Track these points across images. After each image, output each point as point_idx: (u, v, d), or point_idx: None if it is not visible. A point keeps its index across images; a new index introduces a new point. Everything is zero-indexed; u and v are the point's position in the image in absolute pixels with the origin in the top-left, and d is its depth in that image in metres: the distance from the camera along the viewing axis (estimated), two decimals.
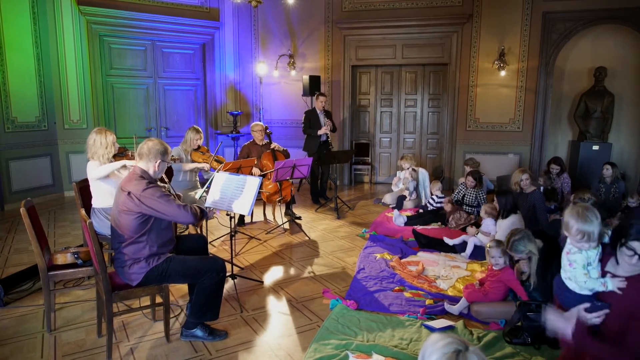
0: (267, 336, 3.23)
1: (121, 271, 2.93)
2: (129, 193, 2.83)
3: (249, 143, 6.20)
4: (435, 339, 1.44)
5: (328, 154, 6.91)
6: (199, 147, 5.28)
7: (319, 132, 7.06)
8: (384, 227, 5.89)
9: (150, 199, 2.82)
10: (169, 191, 3.50)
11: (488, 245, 3.70)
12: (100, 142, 3.88)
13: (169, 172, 4.90)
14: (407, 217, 6.17)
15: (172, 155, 5.03)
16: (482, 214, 5.08)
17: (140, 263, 2.89)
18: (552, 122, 8.25)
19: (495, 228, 4.77)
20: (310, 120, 7.18)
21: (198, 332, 3.13)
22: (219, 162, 5.18)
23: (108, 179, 3.90)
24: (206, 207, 4.41)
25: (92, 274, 3.35)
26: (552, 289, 2.69)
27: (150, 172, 2.98)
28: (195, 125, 5.32)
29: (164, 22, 8.05)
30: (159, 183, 3.41)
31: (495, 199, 4.88)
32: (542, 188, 6.14)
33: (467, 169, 6.61)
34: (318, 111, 7.19)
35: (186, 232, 5.27)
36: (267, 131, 6.22)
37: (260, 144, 6.16)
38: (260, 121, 8.84)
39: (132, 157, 4.05)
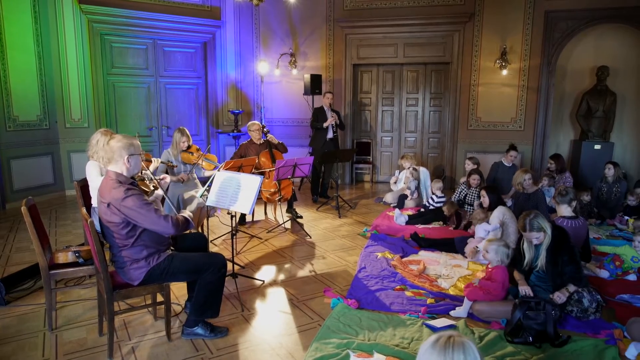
0: (268, 335, 3.23)
1: (121, 271, 2.92)
2: (108, 205, 2.74)
3: (247, 142, 6.17)
4: (427, 340, 1.54)
5: (329, 152, 6.93)
6: (189, 146, 5.20)
7: (325, 125, 7.16)
8: (385, 226, 5.88)
9: (129, 209, 2.72)
10: (152, 179, 3.43)
11: (486, 242, 3.72)
12: (103, 144, 3.87)
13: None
14: (409, 216, 6.15)
15: (170, 161, 4.97)
16: (474, 222, 5.05)
17: (140, 262, 2.88)
18: (554, 121, 8.23)
19: (486, 232, 4.79)
20: (318, 116, 7.32)
21: (199, 329, 3.13)
22: (210, 162, 5.14)
23: None
24: (207, 206, 4.42)
25: (93, 272, 3.34)
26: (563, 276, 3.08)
27: (124, 171, 2.83)
28: (180, 127, 5.23)
29: (165, 20, 8.04)
30: (146, 181, 3.34)
31: (485, 194, 5.08)
32: (542, 187, 6.14)
33: (469, 164, 6.57)
34: (325, 108, 7.31)
35: (187, 231, 5.26)
36: (265, 130, 6.19)
37: (258, 142, 6.13)
38: (261, 120, 8.86)
39: None
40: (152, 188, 3.27)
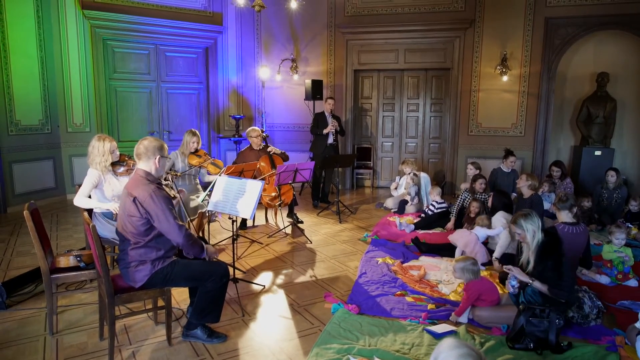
0: (269, 340, 3.23)
1: (125, 272, 2.93)
2: (134, 199, 2.82)
3: (246, 149, 6.17)
4: (452, 344, 1.43)
5: (330, 157, 6.94)
6: (196, 150, 5.26)
7: (325, 131, 7.17)
8: (386, 231, 5.88)
9: (154, 206, 2.81)
10: (172, 187, 3.51)
11: (454, 260, 3.73)
12: (98, 149, 3.89)
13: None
14: (414, 223, 6.11)
15: (173, 171, 5.00)
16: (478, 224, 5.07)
17: (145, 265, 2.89)
18: (555, 127, 8.25)
19: (485, 236, 4.82)
20: (318, 121, 7.33)
21: (199, 332, 3.14)
22: (216, 166, 5.16)
23: (101, 190, 3.91)
24: (208, 211, 4.43)
25: (94, 276, 3.35)
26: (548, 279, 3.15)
27: (152, 171, 2.96)
28: (192, 129, 5.28)
29: (167, 26, 8.09)
30: (170, 187, 3.41)
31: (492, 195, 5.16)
32: (542, 193, 6.14)
33: (471, 169, 6.56)
34: (326, 114, 7.32)
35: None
36: (264, 134, 6.19)
37: (258, 148, 6.13)
38: (262, 125, 8.88)
39: (132, 167, 4.02)
40: (172, 195, 3.32)
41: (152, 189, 2.83)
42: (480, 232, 4.81)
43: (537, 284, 3.25)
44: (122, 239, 2.96)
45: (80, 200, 3.86)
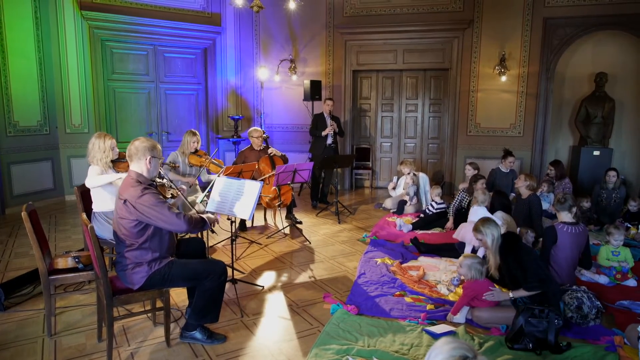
0: (268, 341, 3.22)
1: (123, 274, 2.92)
2: (124, 201, 2.81)
3: (246, 149, 6.18)
4: (444, 341, 1.45)
5: (329, 158, 6.94)
6: (196, 150, 5.28)
7: (324, 133, 7.16)
8: (385, 231, 5.88)
9: (145, 206, 2.79)
10: (171, 186, 3.50)
11: (461, 257, 3.75)
12: (99, 147, 3.91)
13: None
14: (412, 224, 6.11)
15: (172, 162, 5.05)
16: (474, 203, 5.09)
17: (142, 266, 2.89)
18: (553, 127, 8.26)
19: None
20: (317, 122, 7.33)
21: (197, 334, 3.13)
22: (217, 165, 5.18)
23: (106, 185, 3.91)
24: (207, 212, 4.42)
25: (92, 278, 3.35)
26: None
27: (144, 172, 2.94)
28: (191, 129, 5.31)
29: (165, 27, 8.08)
30: (166, 187, 3.40)
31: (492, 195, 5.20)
32: (541, 193, 6.14)
33: (470, 169, 6.56)
34: (325, 115, 7.31)
35: (187, 236, 5.26)
36: (264, 135, 6.20)
37: (258, 149, 6.13)
38: (261, 126, 8.88)
39: None
40: (169, 195, 3.31)
41: (141, 189, 2.82)
42: (478, 213, 4.78)
43: (517, 294, 3.36)
44: (118, 242, 2.96)
45: (92, 180, 3.83)
